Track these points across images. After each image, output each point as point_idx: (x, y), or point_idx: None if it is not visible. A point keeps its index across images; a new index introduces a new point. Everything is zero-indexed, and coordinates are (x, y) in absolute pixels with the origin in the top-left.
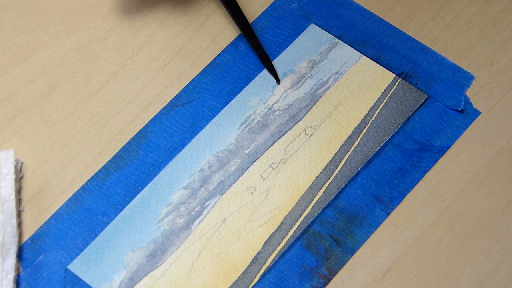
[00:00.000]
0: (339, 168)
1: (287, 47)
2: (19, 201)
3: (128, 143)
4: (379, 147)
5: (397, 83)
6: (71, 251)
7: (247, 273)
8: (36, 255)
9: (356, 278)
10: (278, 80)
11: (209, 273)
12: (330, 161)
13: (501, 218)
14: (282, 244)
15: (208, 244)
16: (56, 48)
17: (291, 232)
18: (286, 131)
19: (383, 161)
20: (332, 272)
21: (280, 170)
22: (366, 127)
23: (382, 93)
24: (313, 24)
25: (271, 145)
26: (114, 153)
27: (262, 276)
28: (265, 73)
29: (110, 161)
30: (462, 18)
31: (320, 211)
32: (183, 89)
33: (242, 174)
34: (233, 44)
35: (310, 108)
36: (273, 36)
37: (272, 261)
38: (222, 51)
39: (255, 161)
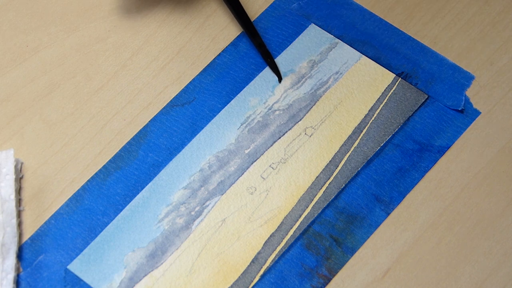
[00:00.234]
0: (339, 168)
1: (287, 47)
2: (19, 201)
3: (128, 143)
4: (379, 147)
5: (397, 83)
6: (71, 251)
7: (247, 273)
8: (36, 255)
9: (356, 278)
10: (280, 78)
11: (209, 273)
12: (330, 161)
13: (501, 218)
14: (282, 244)
15: (208, 244)
16: (56, 48)
17: (291, 232)
18: (286, 131)
19: (383, 161)
20: (332, 272)
21: (280, 170)
22: (366, 127)
23: (382, 93)
24: (313, 24)
25: (271, 145)
26: (114, 153)
27: (262, 276)
28: (265, 73)
29: (110, 161)
30: (462, 18)
31: (320, 211)
32: (183, 89)
33: (242, 174)
34: (233, 44)
35: (310, 108)
36: (273, 36)
37: (272, 261)
38: (222, 51)
39: (255, 161)
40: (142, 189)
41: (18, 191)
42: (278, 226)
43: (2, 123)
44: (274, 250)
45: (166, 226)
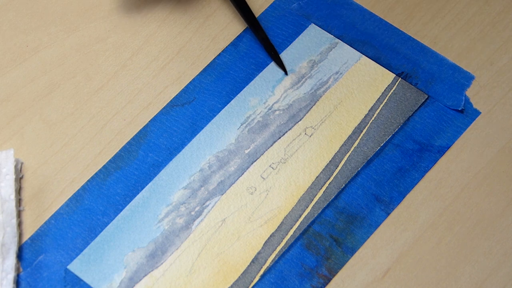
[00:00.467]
0: (339, 168)
1: (287, 47)
2: (19, 201)
3: (128, 143)
4: (379, 147)
5: (397, 83)
6: (71, 251)
7: (247, 273)
8: (36, 255)
9: (356, 278)
10: (285, 72)
11: (209, 273)
12: (330, 161)
13: (501, 218)
14: (282, 244)
15: (208, 244)
16: (56, 48)
17: (291, 232)
18: (286, 131)
19: (383, 161)
20: (332, 272)
21: (280, 170)
22: (366, 127)
23: (382, 93)
24: (313, 24)
25: (271, 145)
26: (114, 153)
27: (262, 276)
28: (265, 73)
29: (110, 161)
30: (462, 18)
31: (320, 211)
32: (183, 89)
33: (242, 174)
34: (233, 44)
35: (310, 108)
36: (273, 36)
37: (272, 261)
38: (222, 51)
39: (255, 161)
40: (142, 189)
41: (18, 191)
42: (278, 226)
43: (2, 123)
44: (274, 250)
45: (166, 226)
